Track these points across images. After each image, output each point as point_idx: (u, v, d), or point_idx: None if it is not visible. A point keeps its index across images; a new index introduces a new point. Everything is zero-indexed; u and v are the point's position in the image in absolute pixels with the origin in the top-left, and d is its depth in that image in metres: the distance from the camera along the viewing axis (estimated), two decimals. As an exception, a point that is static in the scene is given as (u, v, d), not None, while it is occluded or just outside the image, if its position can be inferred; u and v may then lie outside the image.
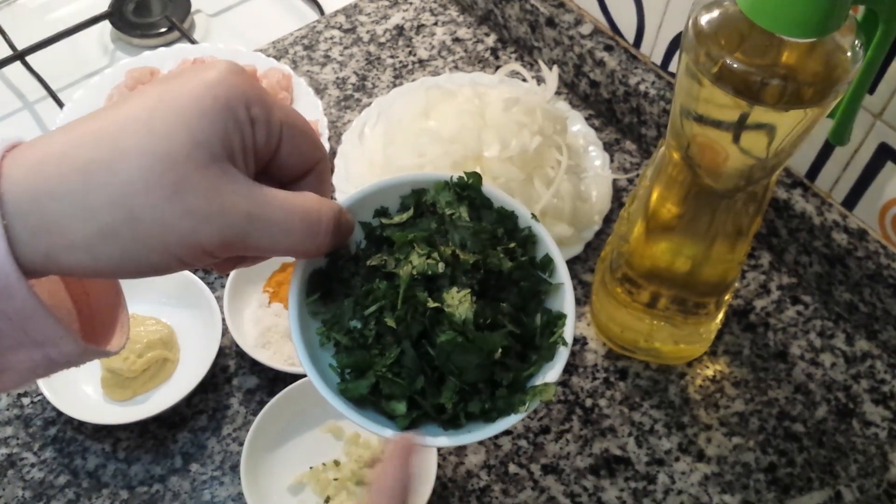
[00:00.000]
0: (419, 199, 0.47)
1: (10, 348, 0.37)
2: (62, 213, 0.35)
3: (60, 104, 0.95)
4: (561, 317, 0.46)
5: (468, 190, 0.47)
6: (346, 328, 0.44)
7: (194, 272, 0.78)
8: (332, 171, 0.88)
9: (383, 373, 0.43)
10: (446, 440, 0.43)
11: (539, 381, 0.45)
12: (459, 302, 0.43)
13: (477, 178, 0.47)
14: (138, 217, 0.35)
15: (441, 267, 0.43)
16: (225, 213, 0.36)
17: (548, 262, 0.47)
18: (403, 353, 0.43)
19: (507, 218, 0.47)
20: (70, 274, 0.37)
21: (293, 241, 0.39)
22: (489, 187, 0.47)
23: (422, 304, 0.43)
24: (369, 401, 0.44)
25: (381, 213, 0.48)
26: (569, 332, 0.45)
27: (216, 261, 0.39)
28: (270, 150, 0.39)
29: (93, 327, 0.44)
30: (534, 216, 0.47)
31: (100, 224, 0.35)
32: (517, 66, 0.93)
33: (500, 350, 0.43)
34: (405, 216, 0.46)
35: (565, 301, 0.46)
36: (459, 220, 0.46)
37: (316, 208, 0.40)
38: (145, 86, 0.40)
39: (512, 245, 0.46)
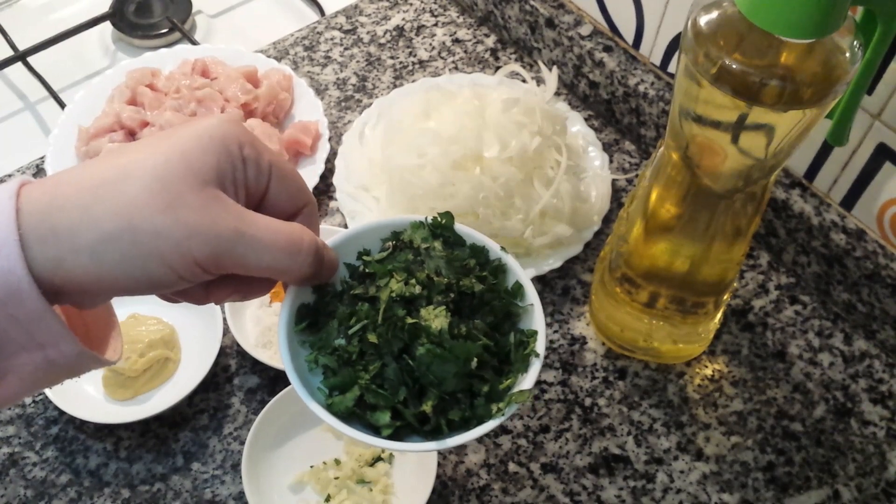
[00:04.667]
0: (397, 238, 0.51)
1: (14, 352, 0.40)
2: (71, 221, 0.39)
3: (62, 105, 0.95)
4: (533, 333, 0.49)
5: (441, 229, 0.51)
6: (331, 347, 0.48)
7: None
8: (333, 171, 0.88)
9: (367, 384, 0.46)
10: (432, 444, 0.46)
11: (517, 388, 0.48)
12: (435, 316, 0.47)
13: (449, 217, 0.51)
14: (137, 226, 0.39)
15: (418, 289, 0.48)
16: (214, 227, 0.40)
17: (518, 289, 0.51)
18: (385, 367, 0.46)
19: (480, 252, 0.51)
20: (76, 283, 0.40)
21: (277, 258, 0.43)
22: (461, 226, 0.51)
23: (400, 320, 0.46)
24: (356, 414, 0.47)
25: (364, 254, 0.51)
26: (541, 345, 0.49)
27: (210, 278, 0.43)
28: (261, 188, 0.44)
29: (88, 343, 0.46)
30: (503, 248, 0.51)
31: (102, 231, 0.39)
32: (517, 67, 0.93)
33: (475, 360, 0.47)
34: (385, 253, 0.51)
35: (535, 319, 0.50)
36: (434, 251, 0.50)
37: (298, 232, 0.44)
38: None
39: (483, 273, 0.50)
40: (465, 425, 0.47)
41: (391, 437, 0.46)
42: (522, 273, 0.51)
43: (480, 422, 0.47)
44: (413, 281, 0.48)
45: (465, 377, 0.47)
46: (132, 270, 0.40)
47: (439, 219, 0.51)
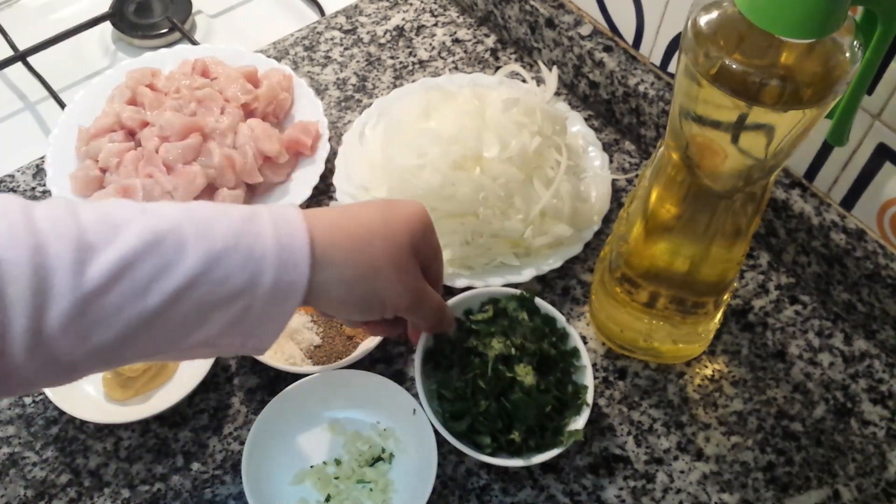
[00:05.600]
0: (496, 305, 0.72)
1: (233, 334, 0.53)
2: (342, 259, 0.55)
3: (62, 105, 0.95)
4: (584, 387, 0.69)
5: (526, 301, 0.72)
6: (453, 387, 0.68)
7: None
8: (333, 171, 0.88)
9: (476, 417, 0.66)
10: (520, 461, 0.67)
11: (571, 427, 0.68)
12: (526, 374, 0.67)
13: (533, 294, 0.72)
14: (379, 275, 0.57)
15: (513, 350, 0.67)
16: (415, 286, 0.60)
17: (575, 352, 0.71)
18: (490, 406, 0.66)
19: (550, 321, 0.72)
20: (324, 303, 0.57)
21: (431, 314, 0.63)
22: (539, 300, 0.72)
23: (503, 373, 0.67)
24: (465, 435, 0.67)
25: (468, 312, 0.72)
26: (589, 396, 0.69)
27: (389, 318, 0.61)
28: (426, 263, 0.62)
29: None
30: (566, 320, 0.72)
31: (360, 272, 0.56)
32: (517, 67, 0.93)
33: (549, 406, 0.67)
34: (486, 315, 0.71)
35: (587, 376, 0.70)
36: (524, 321, 0.70)
37: (442, 301, 0.65)
38: (375, 201, 0.67)
39: (554, 339, 0.70)
40: (538, 449, 0.67)
41: (490, 455, 0.67)
42: (579, 340, 0.71)
43: (548, 448, 0.67)
44: (509, 343, 0.68)
45: (541, 417, 0.67)
46: (363, 302, 0.58)
47: (526, 294, 0.72)
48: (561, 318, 0.72)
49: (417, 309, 0.61)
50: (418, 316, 0.62)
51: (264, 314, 0.53)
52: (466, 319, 0.71)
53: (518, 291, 0.72)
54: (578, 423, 0.68)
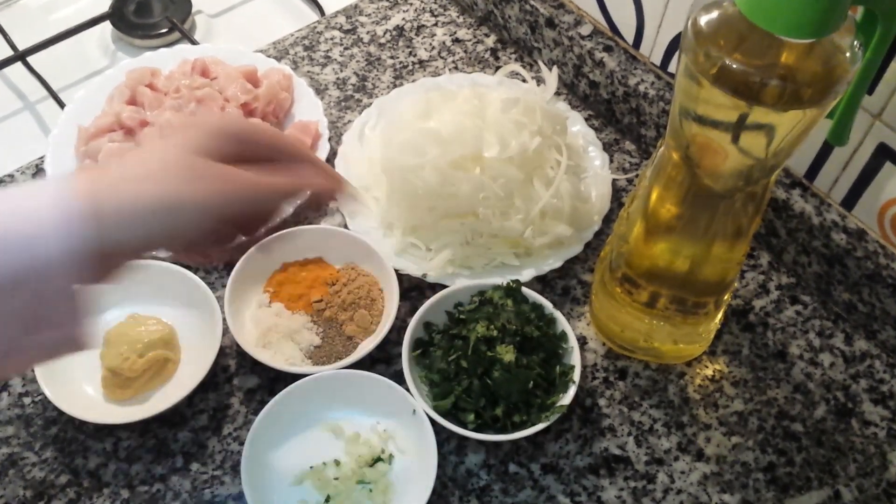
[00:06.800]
0: (483, 296, 0.75)
1: (37, 329, 0.49)
2: (127, 204, 0.50)
3: (61, 104, 0.95)
4: (572, 367, 0.72)
5: (513, 291, 0.74)
6: (437, 368, 0.71)
7: (195, 272, 0.79)
8: (333, 171, 0.88)
9: (460, 394, 0.69)
10: (502, 436, 0.69)
11: (557, 404, 0.70)
12: (506, 352, 0.70)
13: (518, 283, 0.75)
14: (167, 168, 0.52)
15: (495, 332, 0.70)
16: (206, 176, 0.53)
17: (563, 335, 0.74)
18: (472, 383, 0.69)
19: (538, 307, 0.75)
20: (127, 250, 0.51)
21: (277, 188, 0.56)
22: (526, 289, 0.75)
23: (483, 353, 0.70)
24: (451, 413, 0.70)
25: (459, 304, 0.76)
26: (577, 376, 0.71)
27: (225, 228, 0.57)
28: (258, 156, 0.56)
29: None
30: (554, 306, 0.74)
31: (148, 169, 0.52)
32: (517, 67, 0.93)
33: (531, 382, 0.69)
34: (473, 306, 0.74)
35: (574, 356, 0.72)
36: (507, 306, 0.73)
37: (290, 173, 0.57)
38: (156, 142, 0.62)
39: (540, 323, 0.73)
40: (523, 426, 0.69)
41: (474, 430, 0.69)
42: (566, 323, 0.73)
43: (533, 424, 0.69)
44: (492, 326, 0.71)
45: (524, 393, 0.69)
46: (169, 235, 0.52)
47: (512, 284, 0.75)
48: (548, 305, 0.74)
49: (225, 194, 0.53)
50: (271, 198, 0.56)
51: (47, 297, 0.48)
52: (456, 311, 0.75)
53: (505, 282, 0.75)
54: (565, 399, 0.70)
